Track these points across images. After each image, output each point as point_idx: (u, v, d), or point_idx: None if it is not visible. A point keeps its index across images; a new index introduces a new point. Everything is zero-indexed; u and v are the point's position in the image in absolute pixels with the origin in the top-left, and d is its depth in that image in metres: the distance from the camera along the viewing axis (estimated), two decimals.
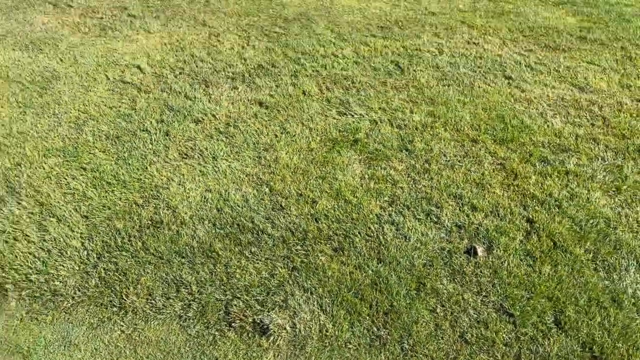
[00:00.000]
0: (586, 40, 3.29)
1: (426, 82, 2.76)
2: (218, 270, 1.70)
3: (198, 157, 2.22)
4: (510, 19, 3.55)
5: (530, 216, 1.95)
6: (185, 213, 1.93)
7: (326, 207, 1.96)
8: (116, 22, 3.41)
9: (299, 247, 1.79)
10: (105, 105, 2.54)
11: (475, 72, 2.88)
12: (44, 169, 2.13)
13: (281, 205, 1.98)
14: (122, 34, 3.25)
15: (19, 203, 1.97)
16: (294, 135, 2.34)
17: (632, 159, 2.25)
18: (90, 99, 2.58)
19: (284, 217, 1.93)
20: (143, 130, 2.34)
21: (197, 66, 2.87)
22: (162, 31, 3.28)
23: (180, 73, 2.81)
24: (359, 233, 1.83)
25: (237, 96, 2.63)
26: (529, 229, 1.89)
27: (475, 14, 3.59)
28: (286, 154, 2.24)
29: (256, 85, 2.69)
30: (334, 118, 2.47)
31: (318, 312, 1.58)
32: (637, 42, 3.29)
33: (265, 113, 2.49)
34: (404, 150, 2.25)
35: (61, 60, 2.89)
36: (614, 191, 2.08)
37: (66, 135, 2.30)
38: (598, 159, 2.25)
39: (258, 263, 1.72)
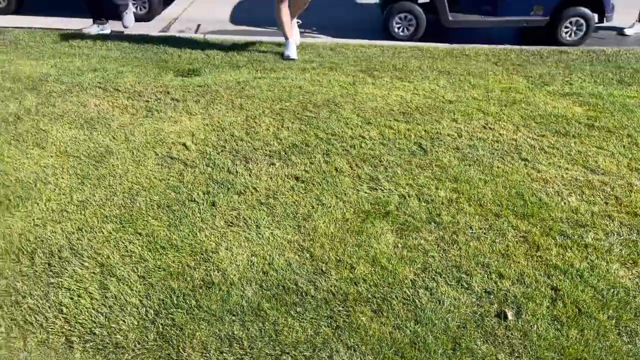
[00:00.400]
0: (594, 127, 3.55)
1: (448, 162, 2.99)
2: (267, 327, 1.84)
3: (243, 225, 2.41)
4: (522, 107, 3.84)
5: (555, 284, 2.09)
6: (234, 275, 2.09)
7: (364, 272, 2.12)
8: (160, 104, 3.73)
9: (340, 308, 1.93)
10: (155, 178, 2.77)
11: (493, 154, 3.12)
12: (102, 233, 2.32)
13: (322, 270, 2.14)
14: (166, 115, 3.56)
15: (82, 264, 2.15)
16: (330, 207, 2.54)
17: None
18: (142, 172, 2.82)
19: (325, 280, 2.08)
20: (191, 201, 2.55)
21: (237, 144, 3.13)
22: (204, 113, 3.58)
23: (222, 150, 3.07)
24: (396, 296, 1.98)
25: (275, 171, 2.86)
26: (554, 296, 2.02)
27: (489, 102, 3.89)
28: (323, 223, 2.42)
29: (292, 162, 2.93)
30: (365, 192, 2.67)
31: None
32: None
33: (302, 187, 2.70)
34: (432, 223, 2.43)
35: (113, 137, 3.17)
36: (631, 263, 2.23)
37: (121, 204, 2.51)
38: (614, 234, 2.41)
39: (304, 322, 1.85)
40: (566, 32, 5.83)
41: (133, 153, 3.06)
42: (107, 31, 5.70)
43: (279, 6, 4.93)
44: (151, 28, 6.20)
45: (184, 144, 3.16)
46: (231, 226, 2.44)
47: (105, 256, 2.21)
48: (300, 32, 5.64)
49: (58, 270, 2.14)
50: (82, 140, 3.18)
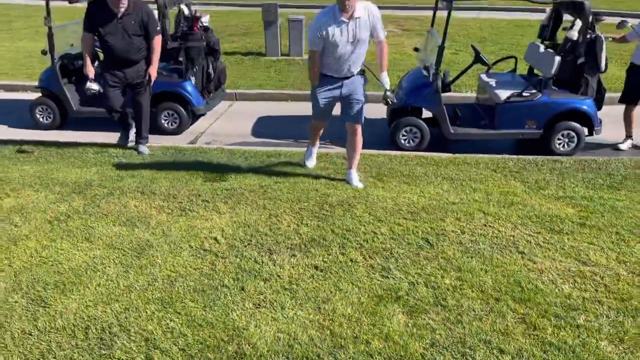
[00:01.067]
0: (585, 225, 3.90)
1: (452, 254, 3.32)
2: None
3: (269, 306, 2.71)
4: (519, 208, 4.22)
5: (550, 359, 2.34)
6: (263, 348, 2.37)
7: (378, 346, 2.39)
8: (193, 205, 4.17)
9: None
10: (190, 267, 3.12)
11: (493, 247, 3.45)
12: (146, 312, 2.63)
13: (341, 344, 2.41)
14: (198, 214, 3.98)
15: (129, 338, 2.44)
16: (346, 292, 2.85)
17: (631, 316, 2.67)
18: (178, 262, 3.18)
19: (344, 353, 2.35)
20: (223, 286, 2.88)
21: (261, 239, 3.51)
22: (231, 212, 4.00)
23: (248, 244, 3.44)
24: None
25: (296, 262, 3.21)
26: None
27: (489, 204, 4.29)
28: (341, 305, 2.72)
29: (311, 254, 3.29)
30: (378, 280, 2.99)
31: None
32: (629, 228, 3.88)
33: (321, 275, 3.03)
34: (439, 305, 2.72)
35: (152, 233, 3.56)
36: (618, 341, 2.48)
37: (162, 289, 2.84)
38: (603, 316, 2.67)
39: None
40: (559, 144, 6.38)
41: (170, 246, 3.44)
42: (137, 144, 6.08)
43: (311, 123, 5.24)
44: (181, 140, 6.86)
45: (215, 238, 3.55)
46: (259, 307, 2.74)
47: (150, 332, 2.51)
48: (320, 144, 6.19)
49: (109, 343, 2.43)
50: (125, 235, 3.58)
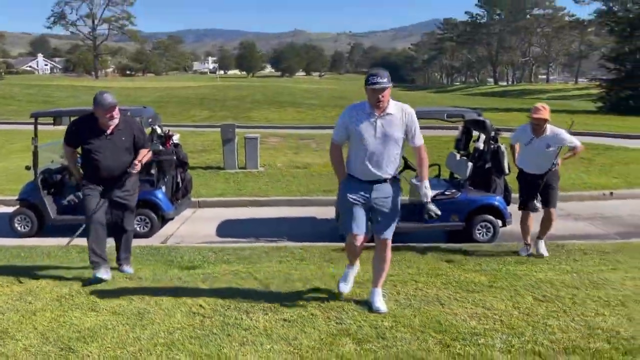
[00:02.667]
0: (492, 287, 4.96)
1: (390, 308, 4.28)
2: None
3: (251, 344, 3.54)
4: (444, 277, 5.24)
5: None
6: None
7: None
8: (176, 284, 4.97)
9: None
10: (184, 324, 3.92)
11: (421, 303, 4.43)
12: (156, 352, 3.41)
13: None
14: (183, 290, 4.79)
15: None
16: (309, 333, 3.73)
17: (517, 336, 3.67)
18: (173, 321, 3.97)
19: None
20: (213, 334, 3.70)
21: (238, 304, 4.35)
22: (210, 288, 4.83)
23: (228, 308, 4.27)
24: None
25: (269, 317, 4.06)
26: None
27: (420, 275, 5.29)
28: (306, 341, 3.60)
29: (280, 311, 4.15)
30: (333, 325, 3.89)
31: None
32: (525, 287, 4.95)
33: (289, 324, 3.90)
34: (379, 337, 3.62)
35: (148, 303, 4.34)
36: (507, 351, 3.46)
37: (164, 337, 3.63)
38: (497, 338, 3.66)
39: None
40: (479, 233, 7.65)
41: (165, 311, 4.23)
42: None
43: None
44: (152, 242, 7.66)
45: (200, 305, 4.37)
46: (243, 345, 3.57)
47: None
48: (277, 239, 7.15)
49: None
50: (125, 306, 4.35)
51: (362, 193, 4.10)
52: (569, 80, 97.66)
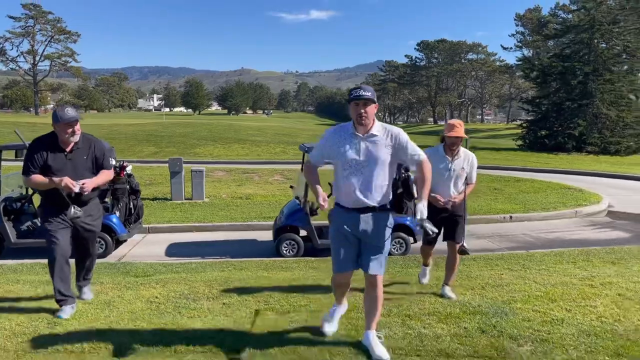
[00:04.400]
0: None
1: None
2: None
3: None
4: None
5: None
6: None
7: None
8: (136, 286, 6.01)
9: None
10: (144, 315, 5.00)
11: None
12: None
13: None
14: (140, 289, 5.84)
15: None
16: None
17: None
18: (136, 308, 5.04)
19: None
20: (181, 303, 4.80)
21: (179, 300, 5.46)
22: (163, 287, 5.90)
23: (179, 297, 5.37)
24: None
25: (211, 303, 5.19)
26: None
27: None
28: None
29: (220, 300, 5.29)
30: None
31: None
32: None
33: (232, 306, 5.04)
34: None
35: (112, 303, 5.38)
36: None
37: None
38: None
39: None
40: (394, 248, 9.03)
41: (127, 301, 5.26)
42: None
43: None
44: (108, 260, 8.57)
45: (156, 297, 5.42)
46: (191, 317, 4.67)
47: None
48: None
49: None
50: (94, 299, 5.34)
51: (349, 223, 3.76)
52: (504, 120, 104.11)
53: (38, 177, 4.58)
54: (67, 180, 4.48)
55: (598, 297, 5.36)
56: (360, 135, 3.70)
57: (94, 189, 4.78)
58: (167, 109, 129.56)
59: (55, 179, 4.51)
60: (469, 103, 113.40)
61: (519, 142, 32.58)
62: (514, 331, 4.37)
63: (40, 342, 4.16)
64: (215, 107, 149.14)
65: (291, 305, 5.12)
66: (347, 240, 3.80)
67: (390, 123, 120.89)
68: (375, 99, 3.67)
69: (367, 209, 3.74)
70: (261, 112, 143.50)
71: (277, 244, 8.96)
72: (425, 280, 6.04)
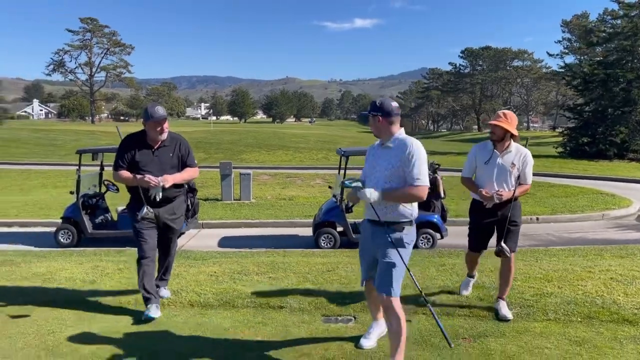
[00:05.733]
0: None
1: None
2: None
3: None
4: None
5: None
6: None
7: None
8: (202, 261, 7.23)
9: None
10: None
11: None
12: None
13: None
14: (203, 264, 7.05)
15: None
16: None
17: None
18: (202, 280, 6.24)
19: None
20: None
21: (247, 272, 6.62)
22: (221, 264, 7.09)
23: (243, 274, 6.55)
24: None
25: (270, 282, 6.34)
26: None
27: None
28: None
29: (273, 279, 6.43)
30: None
31: None
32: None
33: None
34: None
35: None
36: None
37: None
38: None
39: None
40: (421, 243, 9.97)
41: (191, 275, 6.46)
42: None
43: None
44: None
45: (215, 271, 6.60)
46: (245, 285, 5.82)
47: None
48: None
49: None
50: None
51: (366, 238, 3.98)
52: (551, 127, 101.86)
53: (125, 173, 4.78)
54: (147, 177, 4.65)
55: (591, 279, 6.17)
56: (381, 144, 3.95)
57: (178, 187, 4.96)
58: (214, 117, 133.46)
59: (138, 176, 4.70)
60: (514, 110, 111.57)
61: (560, 150, 32.56)
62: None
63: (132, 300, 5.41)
64: (260, 116, 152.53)
65: (325, 279, 6.20)
66: (364, 255, 4.07)
67: (433, 131, 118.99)
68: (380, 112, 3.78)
69: (374, 223, 3.89)
70: (305, 120, 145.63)
71: (316, 238, 10.06)
72: (467, 292, 5.53)
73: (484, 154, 4.92)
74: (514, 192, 4.83)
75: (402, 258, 3.67)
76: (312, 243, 10.19)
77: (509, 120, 4.74)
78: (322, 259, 8.04)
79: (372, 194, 3.66)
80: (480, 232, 5.14)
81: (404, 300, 4.14)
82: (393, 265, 3.67)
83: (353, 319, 4.91)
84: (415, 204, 3.80)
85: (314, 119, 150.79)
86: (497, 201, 4.80)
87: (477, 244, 5.21)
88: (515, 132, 4.76)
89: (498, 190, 4.82)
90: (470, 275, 5.63)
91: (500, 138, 4.81)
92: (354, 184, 3.79)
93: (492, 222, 4.99)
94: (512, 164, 4.82)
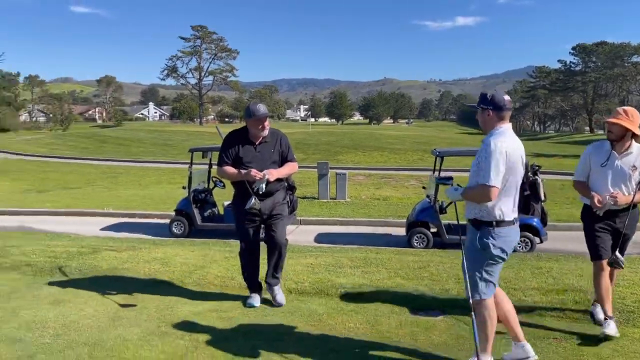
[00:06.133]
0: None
1: None
2: None
3: None
4: None
5: None
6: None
7: None
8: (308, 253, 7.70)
9: None
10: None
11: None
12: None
13: None
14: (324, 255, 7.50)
15: None
16: None
17: None
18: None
19: None
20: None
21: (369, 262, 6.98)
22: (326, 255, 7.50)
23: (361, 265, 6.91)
24: None
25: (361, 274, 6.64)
26: None
27: None
28: None
29: (367, 272, 6.72)
30: None
31: None
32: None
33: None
34: None
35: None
36: None
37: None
38: None
39: None
40: (519, 246, 9.74)
41: (293, 267, 6.92)
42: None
43: None
44: None
45: (311, 263, 7.01)
46: (342, 277, 6.16)
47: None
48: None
49: None
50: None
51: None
52: None
53: (229, 169, 4.94)
54: (252, 172, 4.77)
55: None
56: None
57: (279, 181, 5.06)
58: (313, 119, 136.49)
59: (243, 171, 4.84)
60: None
61: None
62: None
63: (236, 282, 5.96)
64: (357, 117, 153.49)
65: (416, 275, 6.37)
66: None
67: (539, 132, 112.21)
68: None
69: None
70: (402, 121, 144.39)
71: (409, 237, 10.19)
72: (609, 331, 4.39)
73: (600, 155, 4.42)
74: (633, 197, 4.32)
75: (465, 258, 3.73)
76: (405, 242, 10.33)
77: (631, 118, 4.24)
78: (415, 257, 8.17)
79: (452, 192, 3.78)
80: (599, 236, 4.46)
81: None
82: (472, 267, 3.68)
83: (441, 313, 5.06)
84: (497, 204, 3.57)
85: (411, 120, 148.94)
86: (612, 204, 4.28)
87: (598, 250, 4.46)
88: (637, 132, 4.22)
89: (612, 192, 4.31)
90: (604, 311, 4.51)
91: (620, 137, 4.31)
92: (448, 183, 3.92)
93: (609, 227, 4.48)
94: (633, 166, 4.32)
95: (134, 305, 5.23)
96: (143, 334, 4.49)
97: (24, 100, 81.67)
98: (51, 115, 79.84)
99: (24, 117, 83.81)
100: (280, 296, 5.29)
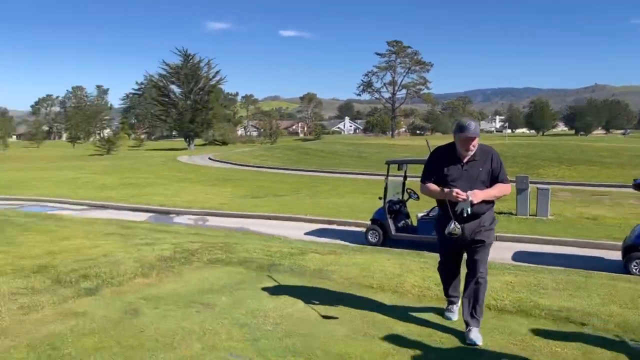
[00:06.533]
0: None
1: None
2: None
3: None
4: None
5: None
6: None
7: None
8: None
9: None
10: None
11: None
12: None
13: None
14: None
15: None
16: None
17: None
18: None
19: None
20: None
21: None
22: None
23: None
24: None
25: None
26: None
27: None
28: None
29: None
30: None
31: None
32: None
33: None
34: None
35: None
36: None
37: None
38: None
39: None
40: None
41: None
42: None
43: None
44: None
45: (510, 281, 6.76)
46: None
47: None
48: None
49: None
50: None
51: None
52: None
53: (432, 186, 4.66)
54: (455, 191, 4.40)
55: None
56: None
57: (487, 203, 4.60)
58: (509, 130, 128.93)
59: (446, 189, 4.51)
60: None
61: None
62: None
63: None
64: (560, 128, 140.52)
65: (634, 304, 5.72)
66: None
67: None
68: None
69: None
70: (617, 131, 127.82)
71: (626, 262, 9.10)
72: None
73: None
74: None
75: None
76: (621, 268, 9.25)
77: None
78: (633, 284, 7.31)
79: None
80: None
81: None
82: None
83: None
84: None
85: (629, 130, 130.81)
86: None
87: None
88: None
89: None
90: None
91: None
92: None
93: None
94: None
95: (339, 305, 5.69)
96: (349, 333, 4.89)
97: (240, 117, 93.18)
98: (262, 130, 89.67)
99: (240, 131, 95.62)
100: (475, 335, 4.65)
